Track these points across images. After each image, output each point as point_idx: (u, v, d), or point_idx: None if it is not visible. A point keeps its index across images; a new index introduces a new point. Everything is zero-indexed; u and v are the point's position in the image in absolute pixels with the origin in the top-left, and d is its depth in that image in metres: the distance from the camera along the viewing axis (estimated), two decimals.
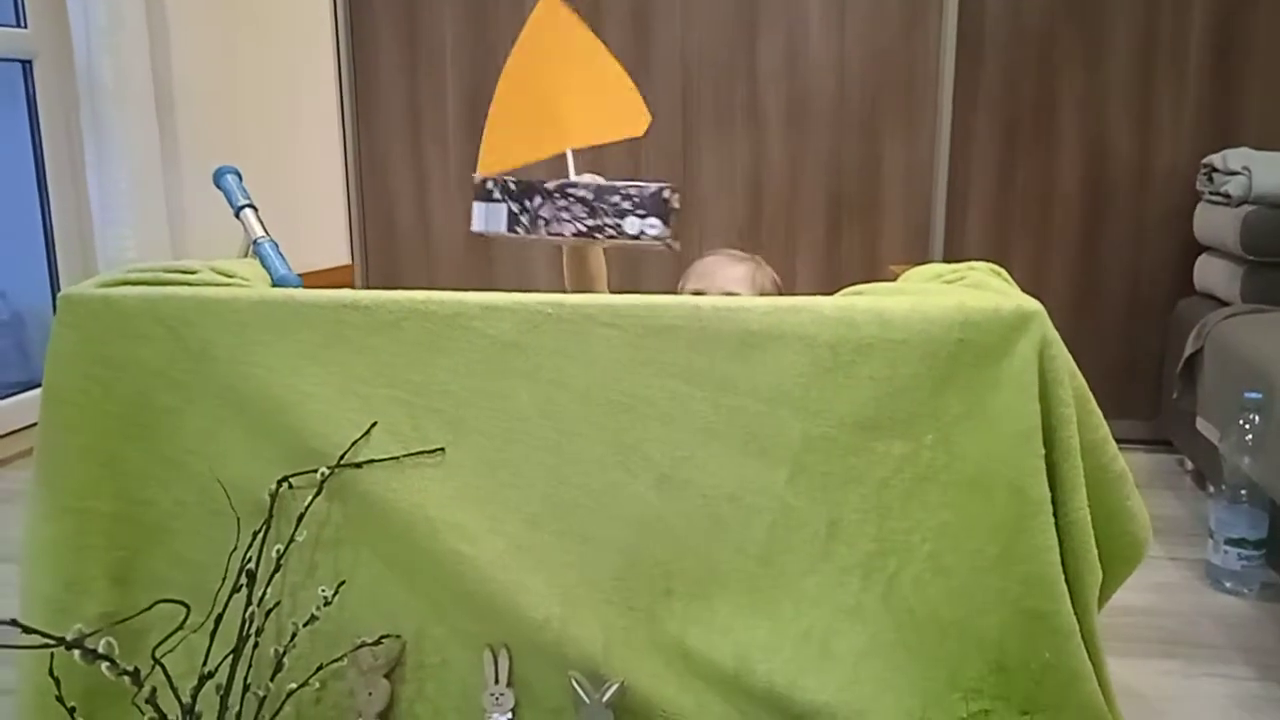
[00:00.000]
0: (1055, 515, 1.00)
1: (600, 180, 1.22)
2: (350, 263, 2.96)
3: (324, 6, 2.83)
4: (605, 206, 1.17)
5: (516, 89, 1.31)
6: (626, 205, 1.17)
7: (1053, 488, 1.00)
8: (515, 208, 1.21)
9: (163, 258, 2.22)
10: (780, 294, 1.61)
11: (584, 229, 1.19)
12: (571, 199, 1.19)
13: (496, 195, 1.21)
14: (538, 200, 1.20)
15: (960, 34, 2.59)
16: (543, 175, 1.24)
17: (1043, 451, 1.00)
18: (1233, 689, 1.42)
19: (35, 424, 1.11)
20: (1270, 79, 2.50)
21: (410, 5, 2.82)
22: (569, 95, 1.29)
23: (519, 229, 1.22)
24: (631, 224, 1.16)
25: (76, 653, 0.80)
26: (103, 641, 0.81)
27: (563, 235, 1.21)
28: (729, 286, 1.71)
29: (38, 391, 1.10)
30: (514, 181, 1.22)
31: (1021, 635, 1.01)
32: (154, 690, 0.86)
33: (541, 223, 1.21)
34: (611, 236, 1.18)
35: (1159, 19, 2.52)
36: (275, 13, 2.72)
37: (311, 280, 1.26)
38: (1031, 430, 1.00)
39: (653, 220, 1.16)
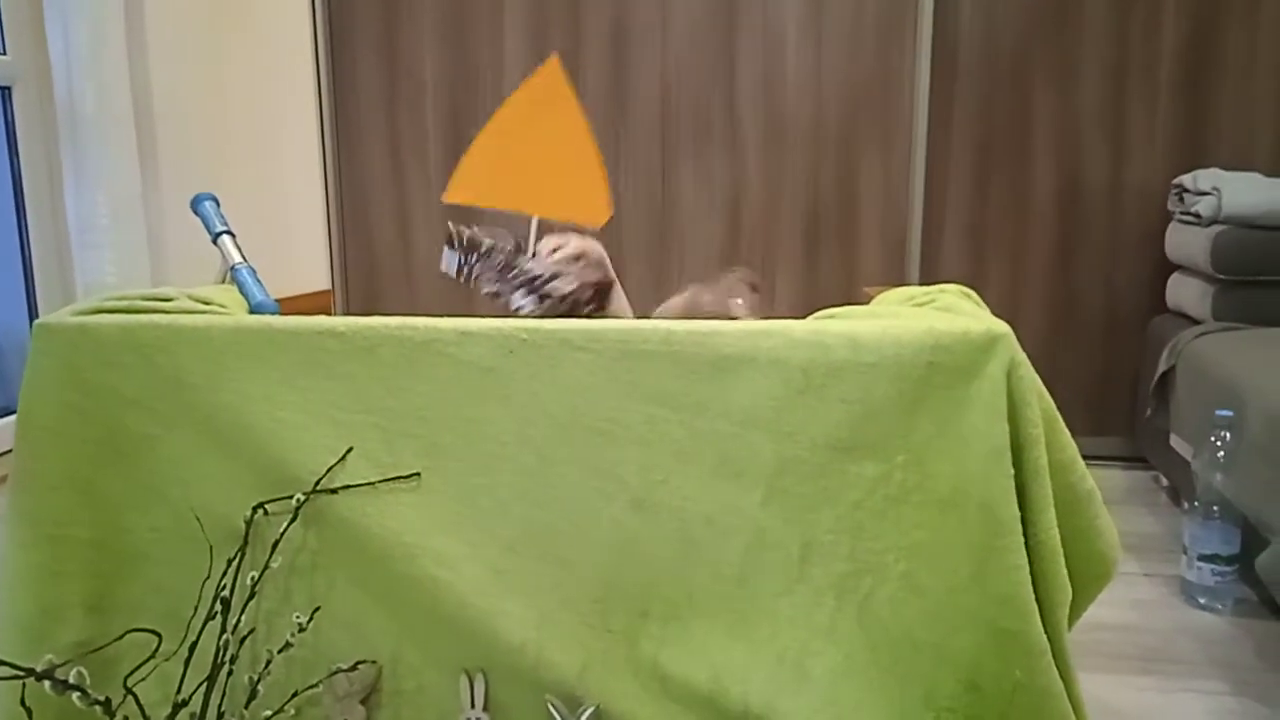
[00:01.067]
0: (1025, 535, 1.01)
1: (518, 251, 1.38)
2: (330, 288, 2.97)
3: (305, 33, 2.84)
4: (507, 280, 1.34)
5: (498, 137, 1.41)
6: (518, 281, 1.34)
7: (1022, 507, 1.01)
8: (462, 259, 1.36)
9: (142, 284, 2.22)
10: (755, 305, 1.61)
11: (491, 291, 1.36)
12: (491, 264, 1.35)
13: (454, 244, 1.35)
14: (474, 257, 1.36)
15: (935, 56, 2.62)
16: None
17: (1012, 471, 1.01)
18: (1208, 704, 1.43)
19: (10, 451, 1.11)
20: (1239, 101, 2.54)
21: (391, 32, 2.84)
22: (543, 163, 1.40)
23: (462, 278, 1.37)
24: (516, 299, 1.34)
25: (47, 683, 0.80)
26: (73, 671, 0.81)
27: (482, 290, 1.37)
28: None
29: (14, 418, 1.10)
30: (468, 237, 1.36)
31: (994, 654, 1.02)
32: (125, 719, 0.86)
33: (474, 276, 1.36)
34: (505, 305, 1.36)
35: (1131, 41, 2.56)
36: (256, 39, 2.73)
37: (291, 306, 1.26)
38: (1001, 450, 1.01)
39: (530, 299, 1.34)
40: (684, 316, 1.69)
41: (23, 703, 0.86)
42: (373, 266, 2.97)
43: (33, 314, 2.35)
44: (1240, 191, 2.23)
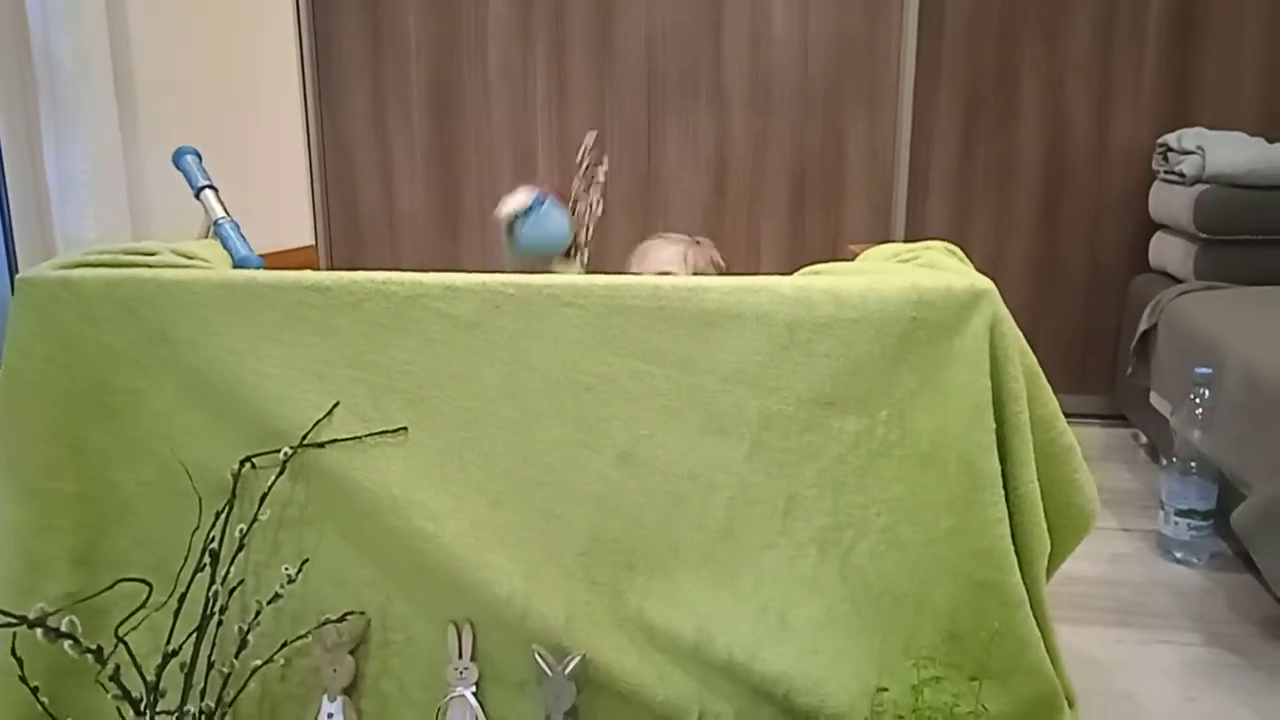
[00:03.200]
0: (1005, 488, 1.03)
1: None
2: (313, 243, 2.95)
3: None
4: None
5: None
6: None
7: (1003, 461, 1.03)
8: None
9: (123, 239, 2.20)
10: (722, 274, 1.64)
11: None
12: None
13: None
14: None
15: (922, 14, 2.61)
16: None
17: (993, 426, 1.02)
18: (1183, 655, 1.46)
19: None
20: (1225, 61, 2.54)
21: None
22: None
23: None
24: None
25: (38, 631, 0.81)
26: (65, 620, 0.82)
27: None
28: (660, 267, 1.74)
29: None
30: None
31: (972, 605, 1.04)
32: (117, 668, 0.87)
33: None
34: None
35: (1118, 0, 2.55)
36: None
37: (274, 261, 1.26)
38: (983, 405, 1.02)
39: None
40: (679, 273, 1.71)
41: (14, 653, 0.86)
42: (356, 221, 2.95)
43: (12, 268, 2.33)
44: (1224, 151, 2.24)
